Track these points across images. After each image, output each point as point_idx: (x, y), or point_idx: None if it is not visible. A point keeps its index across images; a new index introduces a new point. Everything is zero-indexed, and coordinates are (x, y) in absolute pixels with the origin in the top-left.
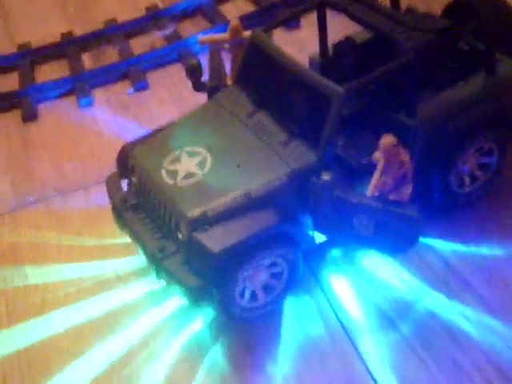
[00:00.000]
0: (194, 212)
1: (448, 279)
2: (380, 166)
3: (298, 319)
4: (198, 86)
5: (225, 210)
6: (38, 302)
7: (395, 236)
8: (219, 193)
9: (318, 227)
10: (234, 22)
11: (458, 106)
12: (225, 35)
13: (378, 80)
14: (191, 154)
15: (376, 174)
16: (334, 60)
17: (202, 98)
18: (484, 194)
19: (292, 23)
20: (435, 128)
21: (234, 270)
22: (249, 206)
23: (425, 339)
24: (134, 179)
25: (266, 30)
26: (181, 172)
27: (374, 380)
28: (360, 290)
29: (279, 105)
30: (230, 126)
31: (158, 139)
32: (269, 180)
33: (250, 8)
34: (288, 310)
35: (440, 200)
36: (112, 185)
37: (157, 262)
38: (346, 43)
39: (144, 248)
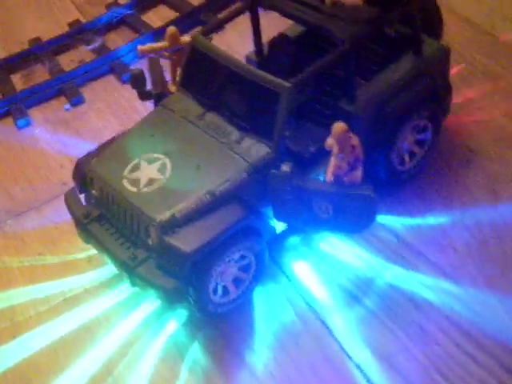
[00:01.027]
0: (163, 216)
1: (402, 252)
2: (335, 152)
3: (269, 308)
4: (143, 95)
5: (192, 211)
6: (8, 325)
7: (354, 216)
8: (184, 195)
9: (279, 216)
10: (171, 28)
11: (393, 87)
12: (163, 43)
13: (320, 72)
14: (150, 161)
15: (332, 160)
16: (270, 57)
17: (139, 106)
18: (423, 168)
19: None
20: (374, 111)
21: (208, 268)
22: (214, 204)
23: (390, 310)
24: (93, 192)
25: (205, 33)
26: (142, 179)
27: (349, 356)
28: (322, 272)
29: (228, 104)
30: (183, 129)
31: (113, 150)
32: (230, 177)
33: (171, 15)
34: (258, 301)
35: (384, 178)
36: (71, 200)
37: (130, 270)
38: (281, 39)
39: (114, 258)
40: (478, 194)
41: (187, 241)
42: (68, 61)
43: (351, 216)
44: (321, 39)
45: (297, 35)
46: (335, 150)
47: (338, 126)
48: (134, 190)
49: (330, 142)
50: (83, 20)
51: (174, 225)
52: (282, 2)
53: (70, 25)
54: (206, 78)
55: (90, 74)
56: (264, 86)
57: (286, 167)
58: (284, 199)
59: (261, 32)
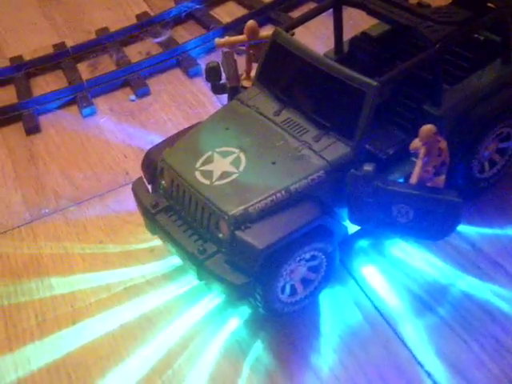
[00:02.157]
0: (236, 210)
1: (478, 262)
2: (422, 155)
3: (335, 310)
4: (217, 88)
5: (266, 207)
6: (69, 311)
7: (435, 222)
8: (259, 190)
9: (354, 218)
10: (251, 22)
11: (479, 93)
12: (241, 36)
13: (407, 73)
14: (224, 154)
15: (418, 162)
16: (349, 55)
17: (205, 100)
18: (502, 177)
19: None
20: (459, 116)
21: (279, 266)
22: (289, 201)
23: (464, 320)
24: (163, 182)
25: (287, 28)
26: (216, 172)
27: (420, 364)
28: (392, 277)
29: (307, 101)
30: (259, 124)
31: (185, 142)
32: (307, 174)
33: (240, 11)
34: (324, 303)
35: (463, 185)
36: (139, 190)
37: (198, 263)
38: (362, 38)
39: (182, 250)
40: None
41: (260, 237)
42: (135, 52)
43: (432, 222)
44: (402, 40)
45: (378, 35)
46: (422, 152)
47: (427, 128)
48: (207, 182)
49: (416, 144)
50: (151, 13)
51: (246, 220)
52: (368, 0)
53: (138, 17)
54: (284, 74)
55: (156, 66)
56: (350, 83)
57: (368, 167)
58: (362, 201)
59: (342, 31)
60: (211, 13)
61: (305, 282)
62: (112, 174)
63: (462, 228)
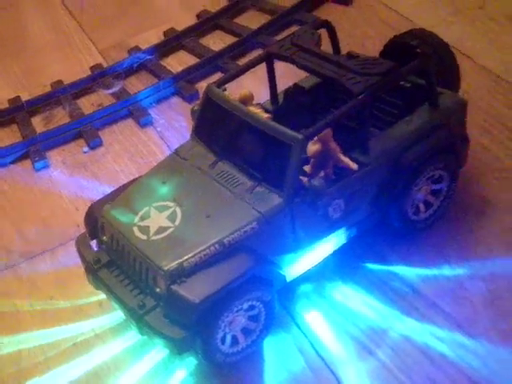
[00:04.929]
0: (171, 265)
1: (416, 303)
2: (337, 149)
3: (278, 357)
4: None
5: (200, 261)
6: (14, 371)
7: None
8: (193, 244)
9: (303, 243)
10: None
11: (408, 138)
12: None
13: (332, 124)
14: (160, 209)
15: (340, 156)
16: (284, 106)
17: (156, 150)
18: (439, 217)
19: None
20: (389, 162)
21: (216, 318)
22: (223, 253)
23: (403, 363)
24: (104, 238)
25: (220, 84)
26: (152, 227)
27: None
28: (333, 321)
29: (240, 154)
30: (194, 177)
31: (125, 197)
32: (240, 226)
33: (191, 60)
34: (268, 350)
35: (399, 227)
36: (82, 246)
37: (138, 318)
38: (295, 90)
39: (123, 305)
40: (493, 246)
41: (195, 291)
42: (88, 104)
43: (360, 196)
44: (336, 89)
45: (312, 85)
46: (336, 148)
47: (326, 131)
48: (144, 237)
49: (315, 148)
50: (105, 64)
51: (181, 274)
52: (296, 54)
53: (92, 69)
54: (218, 128)
55: (109, 117)
56: (276, 137)
57: (317, 182)
58: (309, 221)
59: (276, 82)
60: (162, 63)
61: (245, 331)
62: (63, 227)
63: (401, 270)
